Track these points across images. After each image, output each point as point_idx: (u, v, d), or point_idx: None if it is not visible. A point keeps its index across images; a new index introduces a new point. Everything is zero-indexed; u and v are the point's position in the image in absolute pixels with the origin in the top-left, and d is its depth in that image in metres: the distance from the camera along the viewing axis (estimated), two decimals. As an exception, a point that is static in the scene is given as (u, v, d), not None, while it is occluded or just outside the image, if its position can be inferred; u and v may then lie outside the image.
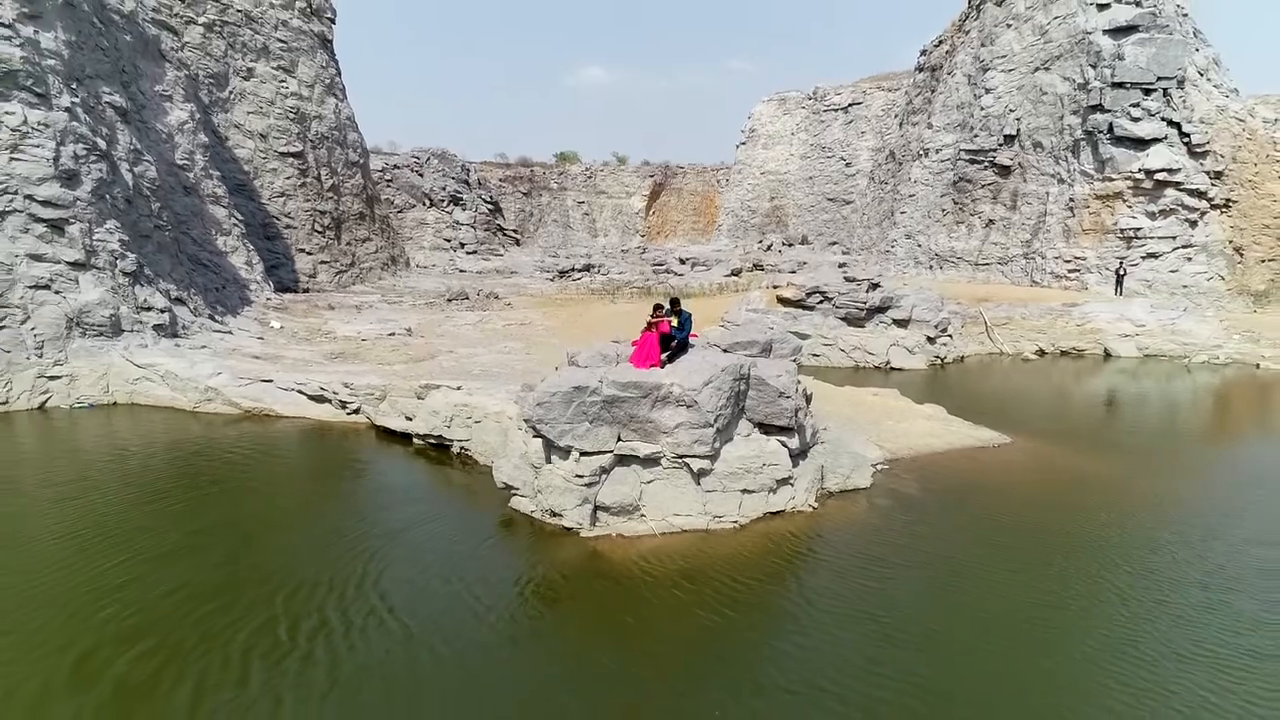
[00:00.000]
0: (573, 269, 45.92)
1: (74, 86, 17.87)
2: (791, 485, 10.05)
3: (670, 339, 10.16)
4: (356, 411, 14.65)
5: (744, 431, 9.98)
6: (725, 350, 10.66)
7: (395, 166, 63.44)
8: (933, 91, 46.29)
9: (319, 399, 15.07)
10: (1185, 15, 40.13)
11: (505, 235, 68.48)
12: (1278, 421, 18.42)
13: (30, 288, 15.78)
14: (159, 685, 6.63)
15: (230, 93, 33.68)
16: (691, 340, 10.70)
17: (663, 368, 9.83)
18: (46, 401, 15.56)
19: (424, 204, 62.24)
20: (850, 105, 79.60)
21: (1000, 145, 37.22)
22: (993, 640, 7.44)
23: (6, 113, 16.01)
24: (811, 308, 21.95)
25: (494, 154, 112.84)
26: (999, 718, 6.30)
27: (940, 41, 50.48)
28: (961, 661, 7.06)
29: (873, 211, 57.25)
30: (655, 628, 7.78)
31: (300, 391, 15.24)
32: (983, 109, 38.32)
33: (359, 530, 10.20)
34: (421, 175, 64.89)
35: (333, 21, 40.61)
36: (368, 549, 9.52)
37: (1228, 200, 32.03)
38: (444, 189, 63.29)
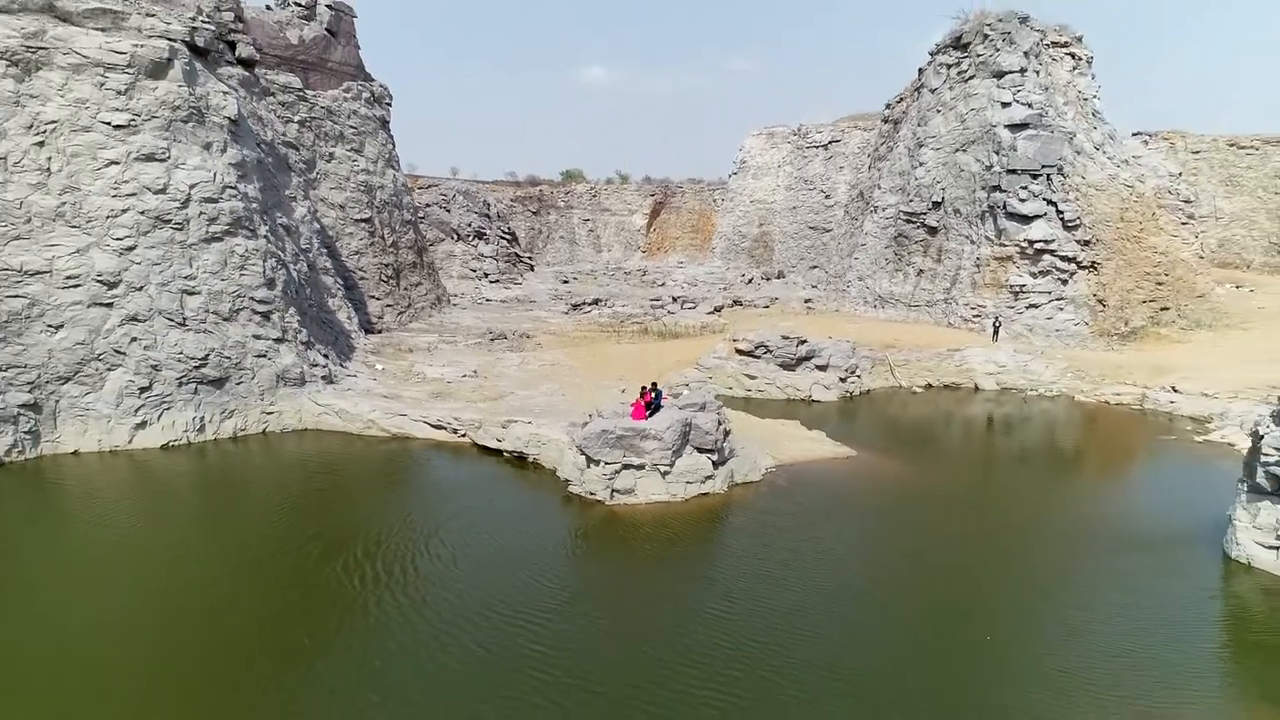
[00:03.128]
0: (583, 302, 55.44)
1: (264, 218, 27.49)
2: (713, 479, 19.60)
3: (650, 404, 19.72)
4: (463, 435, 24.19)
5: (689, 452, 19.53)
6: (681, 408, 20.19)
7: (427, 204, 73.00)
8: (894, 142, 55.67)
9: (438, 427, 24.62)
10: (1086, 100, 49.58)
11: (522, 262, 78.06)
12: (1042, 435, 28.03)
13: (255, 356, 25.39)
14: (374, 569, 16.22)
15: (317, 173, 43.26)
16: (663, 403, 20.24)
17: (646, 420, 19.38)
18: (266, 428, 25.17)
19: (452, 238, 71.86)
20: (830, 143, 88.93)
21: (929, 210, 46.73)
22: (791, 548, 17.01)
23: (236, 245, 25.61)
24: (759, 356, 31.46)
25: (504, 172, 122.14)
26: (790, 571, 15.84)
27: (901, 98, 59.94)
28: (779, 553, 16.65)
29: (845, 243, 66.57)
30: (640, 548, 17.34)
31: (425, 422, 24.80)
32: (916, 179, 47.83)
33: (474, 500, 19.80)
34: (449, 211, 74.52)
35: (390, 105, 50.22)
36: (478, 508, 19.10)
37: (1094, 262, 41.42)
38: (469, 224, 72.94)
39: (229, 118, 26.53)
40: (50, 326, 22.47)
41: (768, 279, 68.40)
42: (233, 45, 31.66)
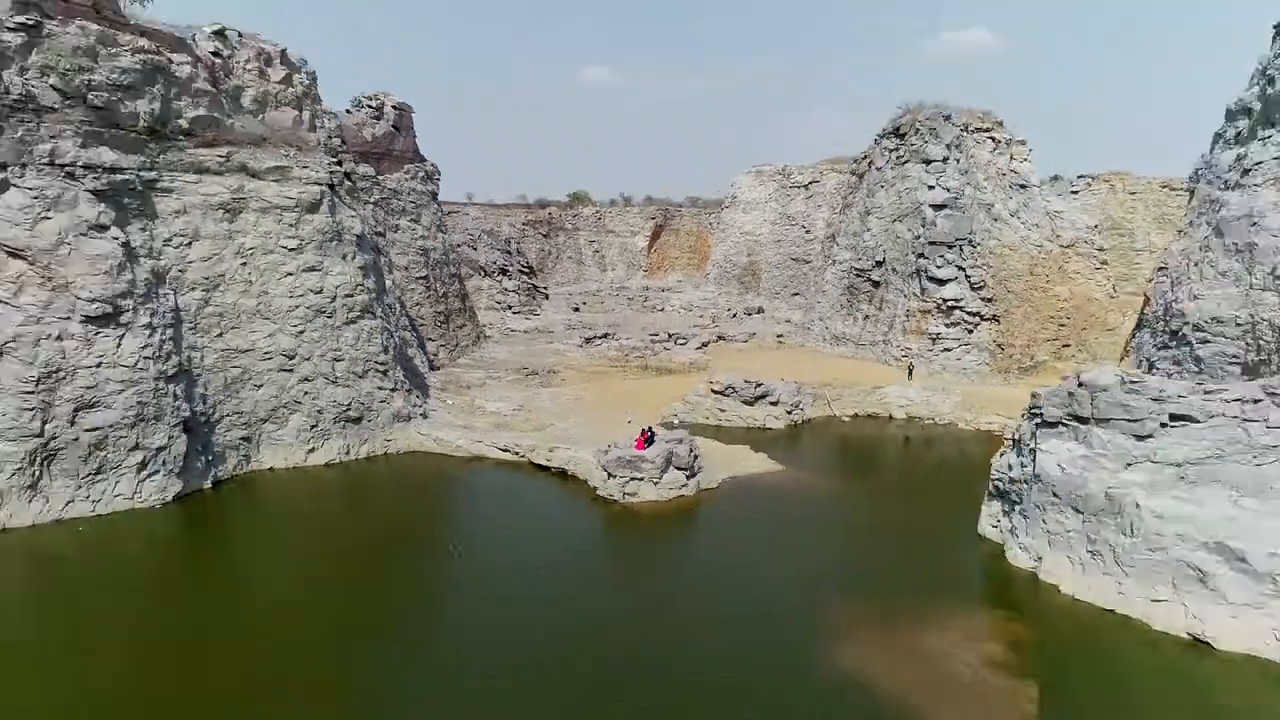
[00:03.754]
0: (595, 336, 67.33)
1: (378, 301, 39.45)
2: (686, 486, 31.58)
3: (648, 439, 31.70)
4: (522, 456, 36.13)
5: (671, 470, 31.50)
6: (667, 442, 32.12)
7: (458, 245, 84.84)
8: (853, 202, 67.27)
9: (504, 450, 36.58)
10: (1004, 175, 61.26)
11: (539, 293, 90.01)
12: (917, 453, 39.84)
13: (379, 402, 37.41)
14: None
15: (386, 242, 55.21)
16: (654, 437, 32.20)
17: (645, 449, 31.34)
18: (387, 451, 37.19)
19: (480, 274, 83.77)
20: (810, 184, 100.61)
21: (874, 267, 58.55)
22: (729, 527, 28.98)
23: (364, 324, 37.59)
24: (727, 394, 43.35)
25: (515, 195, 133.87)
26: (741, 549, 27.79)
27: (866, 156, 71.63)
28: (727, 530, 28.63)
29: (819, 275, 78.27)
30: (640, 528, 29.35)
31: (496, 447, 36.77)
32: (864, 241, 59.68)
33: (532, 499, 31.84)
34: (476, 250, 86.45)
35: (439, 180, 62.20)
36: (535, 504, 31.15)
37: (995, 315, 53.21)
38: (494, 262, 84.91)
39: (356, 235, 38.51)
40: (255, 386, 34.45)
41: (749, 314, 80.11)
42: (340, 162, 43.62)
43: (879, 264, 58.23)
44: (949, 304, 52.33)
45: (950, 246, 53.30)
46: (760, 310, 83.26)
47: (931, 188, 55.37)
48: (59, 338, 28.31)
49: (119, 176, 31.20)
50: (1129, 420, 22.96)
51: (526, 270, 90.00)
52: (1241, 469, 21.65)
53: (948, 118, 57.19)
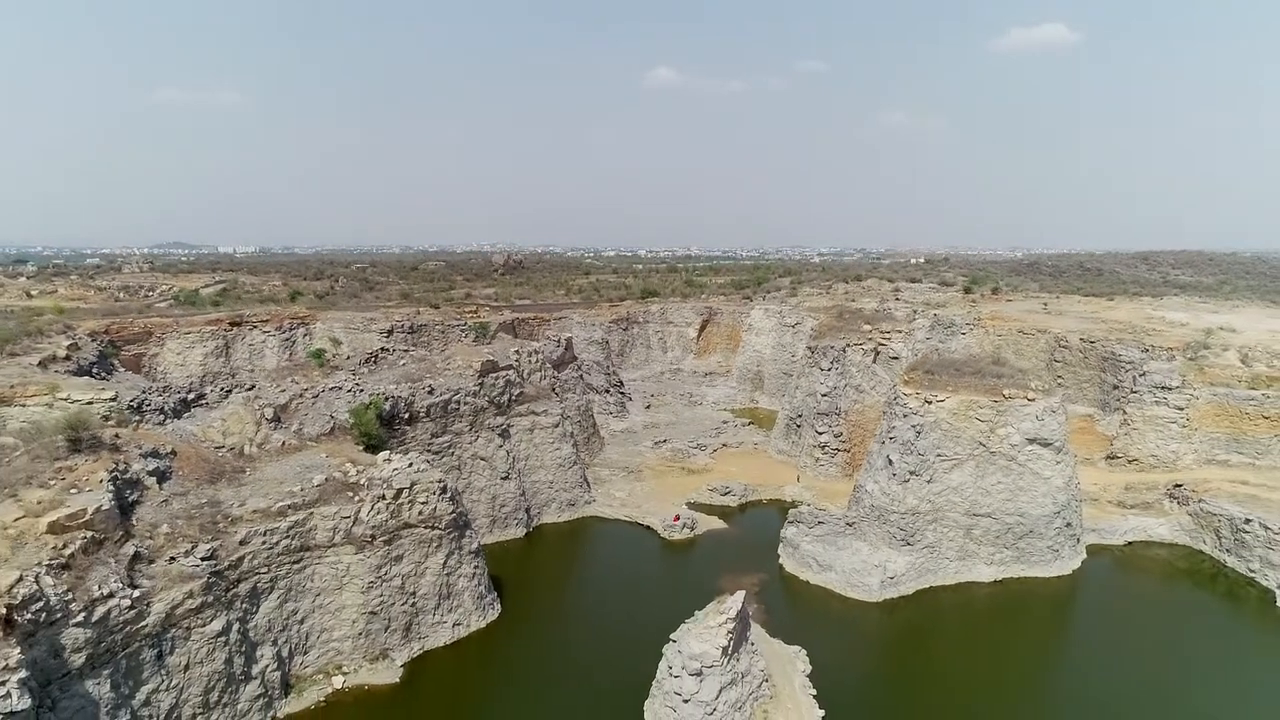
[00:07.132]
0: (660, 440, 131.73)
1: (578, 451, 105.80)
2: (691, 533, 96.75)
3: (679, 516, 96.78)
4: (633, 520, 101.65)
5: (685, 528, 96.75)
6: (685, 515, 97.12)
7: (580, 375, 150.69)
8: (804, 370, 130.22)
9: (626, 518, 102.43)
10: (870, 367, 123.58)
11: (629, 400, 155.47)
12: (776, 519, 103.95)
13: (579, 495, 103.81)
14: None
15: (569, 408, 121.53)
16: (681, 515, 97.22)
17: (677, 521, 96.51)
18: (581, 516, 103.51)
19: (593, 392, 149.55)
20: (795, 324, 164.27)
21: (799, 417, 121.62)
22: (700, 547, 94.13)
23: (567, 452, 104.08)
24: (713, 490, 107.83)
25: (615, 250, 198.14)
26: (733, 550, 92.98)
27: (821, 333, 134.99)
28: (702, 545, 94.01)
29: (794, 391, 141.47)
30: (676, 546, 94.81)
31: (621, 514, 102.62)
32: (797, 401, 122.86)
33: (635, 534, 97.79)
34: (590, 376, 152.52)
35: (583, 366, 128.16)
36: (636, 536, 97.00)
37: (850, 449, 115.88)
38: (601, 384, 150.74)
39: (569, 420, 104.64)
40: (539, 492, 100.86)
41: (744, 425, 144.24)
42: (555, 389, 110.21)
43: (799, 416, 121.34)
44: (823, 443, 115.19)
45: (827, 414, 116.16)
46: (750, 423, 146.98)
47: (822, 383, 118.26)
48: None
49: (500, 424, 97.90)
50: (808, 522, 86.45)
51: (618, 385, 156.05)
52: (834, 534, 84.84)
53: (832, 344, 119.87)
